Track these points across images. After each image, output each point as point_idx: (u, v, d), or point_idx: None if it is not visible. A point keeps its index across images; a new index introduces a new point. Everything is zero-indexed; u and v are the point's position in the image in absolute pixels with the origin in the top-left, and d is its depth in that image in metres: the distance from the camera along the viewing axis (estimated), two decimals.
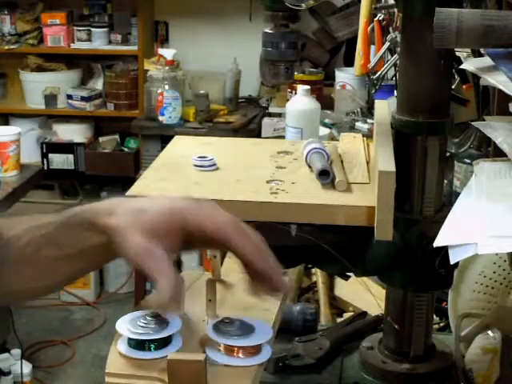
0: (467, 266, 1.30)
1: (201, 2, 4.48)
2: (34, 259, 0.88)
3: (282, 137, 2.77)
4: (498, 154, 1.00)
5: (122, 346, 0.90)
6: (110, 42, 4.42)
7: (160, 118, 3.97)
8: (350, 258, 1.11)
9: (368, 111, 3.18)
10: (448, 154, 1.56)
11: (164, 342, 0.90)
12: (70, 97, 4.44)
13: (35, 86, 4.46)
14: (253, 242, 0.83)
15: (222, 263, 1.12)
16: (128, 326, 0.91)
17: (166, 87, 3.94)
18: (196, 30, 4.52)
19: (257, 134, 3.71)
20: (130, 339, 0.90)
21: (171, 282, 0.79)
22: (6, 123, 4.42)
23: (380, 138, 1.13)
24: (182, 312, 0.96)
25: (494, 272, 1.29)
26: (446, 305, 1.41)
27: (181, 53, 4.28)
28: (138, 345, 0.90)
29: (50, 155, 4.41)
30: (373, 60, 1.85)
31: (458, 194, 1.00)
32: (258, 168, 1.21)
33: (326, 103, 3.28)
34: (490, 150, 1.60)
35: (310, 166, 1.20)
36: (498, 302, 1.28)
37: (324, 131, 2.81)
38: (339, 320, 1.57)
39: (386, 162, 1.02)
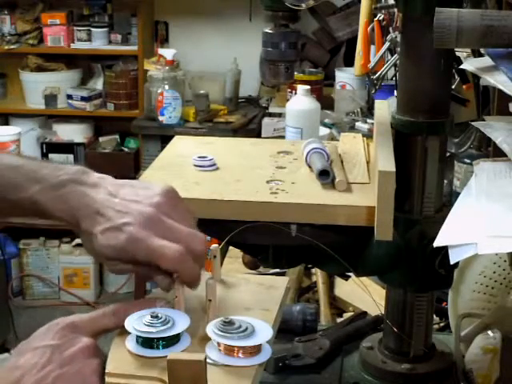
0: (467, 266, 1.30)
1: (201, 2, 4.48)
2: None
3: (282, 137, 2.77)
4: (498, 153, 1.00)
5: (130, 344, 0.91)
6: (109, 42, 4.42)
7: (160, 118, 3.97)
8: (350, 258, 1.11)
9: (368, 111, 3.18)
10: (448, 154, 1.56)
11: (172, 341, 0.90)
12: (69, 97, 4.44)
13: (35, 85, 4.46)
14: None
15: (222, 263, 1.11)
16: (134, 324, 0.91)
17: (166, 87, 3.94)
18: (196, 30, 4.52)
19: (257, 134, 3.71)
20: (138, 337, 0.90)
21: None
22: (6, 123, 4.42)
23: (380, 138, 1.13)
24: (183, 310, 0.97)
25: (494, 272, 1.29)
26: (446, 305, 1.41)
27: (181, 53, 4.28)
28: (146, 343, 0.90)
29: (50, 155, 4.41)
30: (373, 60, 1.85)
31: (458, 194, 1.00)
32: (258, 168, 1.21)
33: (326, 103, 3.28)
34: (490, 149, 1.60)
35: (310, 166, 1.20)
36: (498, 302, 1.28)
37: (324, 131, 2.81)
38: (339, 320, 1.57)
39: (386, 162, 1.02)
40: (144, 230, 0.94)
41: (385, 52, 1.71)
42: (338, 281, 1.77)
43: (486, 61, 1.02)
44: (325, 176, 1.13)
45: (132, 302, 0.97)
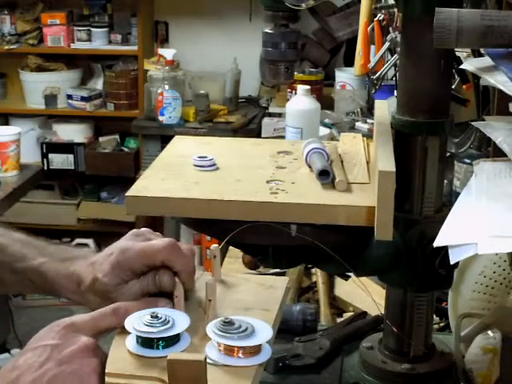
0: (467, 266, 1.30)
1: (201, 2, 4.48)
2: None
3: (282, 137, 2.77)
4: (498, 154, 1.00)
5: (130, 344, 0.91)
6: (110, 42, 4.42)
7: (160, 118, 3.97)
8: (350, 258, 1.11)
9: (368, 111, 3.18)
10: (448, 154, 1.56)
11: (172, 341, 0.91)
12: (70, 97, 4.44)
13: (35, 86, 4.46)
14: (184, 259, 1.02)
15: (222, 263, 1.11)
16: (134, 324, 0.91)
17: (166, 87, 3.94)
18: (196, 30, 4.52)
19: (257, 134, 3.71)
20: (138, 337, 0.90)
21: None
22: (6, 123, 4.42)
23: (380, 138, 1.13)
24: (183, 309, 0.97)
25: (494, 272, 1.29)
26: (446, 305, 1.41)
27: (181, 53, 4.28)
28: (146, 343, 0.90)
29: (50, 155, 4.41)
30: (373, 60, 1.85)
31: (458, 194, 1.00)
32: (258, 168, 1.21)
33: (326, 103, 3.28)
34: (490, 149, 1.60)
35: (310, 166, 1.20)
36: (497, 301, 1.28)
37: (324, 131, 2.81)
38: (339, 320, 1.57)
39: (386, 162, 1.02)
40: (129, 241, 1.02)
41: (385, 52, 1.71)
42: (338, 281, 1.77)
43: (486, 61, 1.02)
44: (325, 176, 1.13)
45: (134, 302, 0.98)
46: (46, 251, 1.08)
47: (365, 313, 1.44)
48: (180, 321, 0.93)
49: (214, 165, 1.21)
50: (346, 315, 1.61)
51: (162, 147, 1.38)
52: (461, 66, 1.14)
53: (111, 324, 0.94)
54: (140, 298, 1.00)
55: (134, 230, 1.07)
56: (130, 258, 1.00)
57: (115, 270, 1.00)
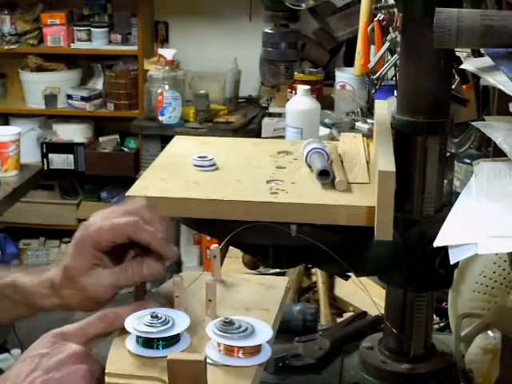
0: (467, 266, 1.30)
1: (201, 2, 4.47)
2: None
3: (282, 137, 2.77)
4: (498, 154, 1.00)
5: (130, 344, 0.91)
6: (110, 42, 4.42)
7: (160, 118, 3.97)
8: (350, 258, 1.11)
9: (368, 111, 3.18)
10: (448, 154, 1.56)
11: (172, 341, 0.91)
12: (70, 97, 4.44)
13: (35, 86, 4.46)
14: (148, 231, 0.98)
15: (222, 263, 1.11)
16: (134, 324, 0.91)
17: (166, 87, 3.94)
18: (196, 30, 4.52)
19: (257, 133, 3.71)
20: (138, 337, 0.90)
21: None
22: (6, 123, 4.42)
23: (380, 138, 1.13)
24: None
25: (494, 272, 1.29)
26: (446, 305, 1.41)
27: (181, 53, 4.28)
28: (146, 343, 0.90)
29: (50, 155, 4.41)
30: (373, 60, 1.85)
31: (458, 194, 1.00)
32: (258, 168, 1.21)
33: (326, 103, 3.28)
34: (490, 149, 1.60)
35: (309, 166, 1.20)
36: (498, 301, 1.28)
37: (324, 131, 2.81)
38: (339, 320, 1.57)
39: (386, 162, 1.02)
40: (103, 220, 1.00)
41: (385, 52, 1.71)
42: (338, 281, 1.77)
43: (486, 61, 1.02)
44: (325, 176, 1.13)
45: (122, 307, 0.98)
46: (19, 267, 1.09)
47: (365, 313, 1.45)
48: (180, 321, 0.93)
49: (214, 165, 1.21)
50: (346, 315, 1.61)
51: (162, 147, 1.38)
52: (461, 66, 1.14)
53: (100, 330, 0.94)
54: (113, 290, 1.00)
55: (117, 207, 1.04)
56: (91, 234, 0.98)
57: (78, 247, 0.99)
